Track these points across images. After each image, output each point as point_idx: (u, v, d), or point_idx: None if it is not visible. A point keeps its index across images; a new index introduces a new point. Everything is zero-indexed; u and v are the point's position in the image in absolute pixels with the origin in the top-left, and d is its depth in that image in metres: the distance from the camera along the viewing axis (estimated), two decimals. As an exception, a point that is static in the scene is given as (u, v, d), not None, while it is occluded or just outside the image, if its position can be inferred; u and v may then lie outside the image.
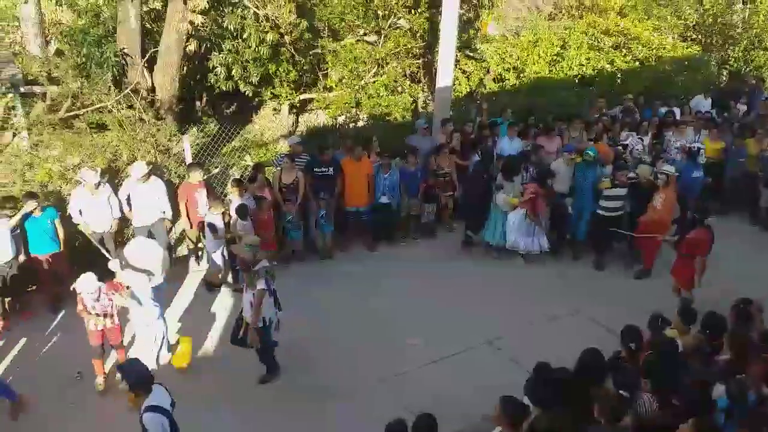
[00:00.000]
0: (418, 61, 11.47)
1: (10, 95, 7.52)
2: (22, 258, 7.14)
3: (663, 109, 11.32)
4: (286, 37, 9.44)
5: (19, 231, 7.01)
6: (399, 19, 10.90)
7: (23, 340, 6.83)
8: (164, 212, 7.96)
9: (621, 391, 4.18)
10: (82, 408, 5.89)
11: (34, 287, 7.54)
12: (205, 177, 8.07)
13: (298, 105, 10.99)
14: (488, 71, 12.10)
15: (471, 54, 11.96)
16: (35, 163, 7.67)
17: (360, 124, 11.06)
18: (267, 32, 9.00)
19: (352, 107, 10.50)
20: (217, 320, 7.35)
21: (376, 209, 8.94)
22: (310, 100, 11.15)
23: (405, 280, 8.10)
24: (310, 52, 10.52)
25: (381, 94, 10.47)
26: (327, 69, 10.87)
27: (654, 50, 12.91)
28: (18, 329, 6.94)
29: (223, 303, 7.74)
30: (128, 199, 7.78)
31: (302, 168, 8.69)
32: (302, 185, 8.53)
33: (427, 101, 11.68)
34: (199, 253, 8.42)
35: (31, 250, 7.18)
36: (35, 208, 6.96)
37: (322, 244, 8.87)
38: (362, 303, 7.59)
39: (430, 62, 11.51)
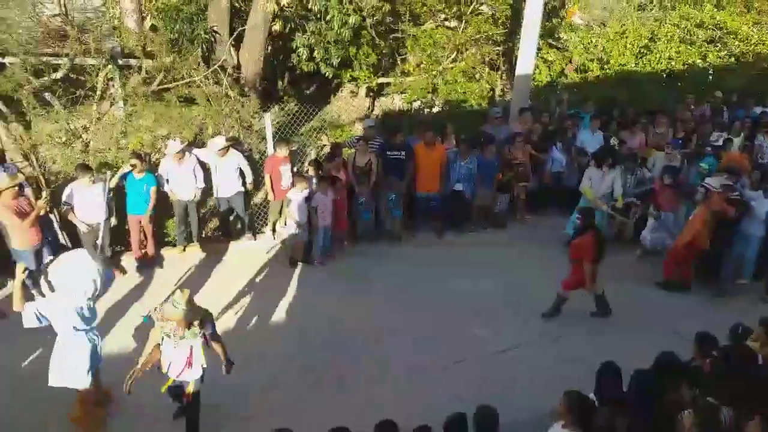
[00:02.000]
0: (498, 48, 11.31)
1: (110, 67, 7.99)
2: (113, 221, 7.65)
3: (757, 110, 10.67)
4: (368, 20, 9.53)
5: (113, 195, 7.49)
6: (482, 4, 10.78)
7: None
8: (243, 184, 8.35)
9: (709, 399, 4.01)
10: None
11: (122, 248, 8.07)
12: (289, 151, 8.36)
13: (375, 88, 11.10)
14: (571, 61, 11.77)
15: (554, 43, 11.68)
16: (129, 131, 8.16)
17: (435, 110, 11.04)
18: (350, 15, 9.10)
19: (429, 93, 10.50)
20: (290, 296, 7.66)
21: (449, 196, 8.95)
22: (387, 84, 11.22)
23: (471, 269, 8.08)
24: (390, 36, 10.59)
25: (458, 81, 10.40)
26: (406, 53, 10.91)
27: (753, 46, 12.14)
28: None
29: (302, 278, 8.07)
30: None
31: (375, 151, 8.81)
32: (375, 168, 8.66)
33: (505, 89, 11.51)
34: (277, 225, 8.76)
35: (128, 211, 7.68)
36: (135, 169, 7.43)
37: (391, 228, 8.99)
38: (426, 289, 7.65)
39: (510, 50, 11.33)
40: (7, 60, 7.41)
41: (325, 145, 9.29)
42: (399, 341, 6.65)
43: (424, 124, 9.23)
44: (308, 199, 8.00)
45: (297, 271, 8.18)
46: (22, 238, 6.76)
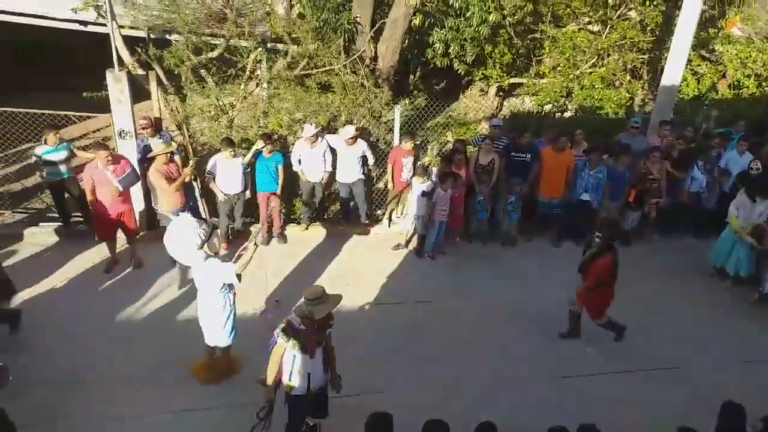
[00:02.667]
0: (643, 56, 10.71)
1: (260, 50, 8.55)
2: (248, 194, 8.22)
3: None
4: (507, 19, 9.41)
5: (250, 170, 8.06)
6: (630, 9, 10.25)
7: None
8: (364, 172, 8.65)
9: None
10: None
11: (251, 219, 8.65)
12: (413, 145, 8.53)
13: (506, 88, 10.96)
14: (724, 75, 10.87)
15: (707, 55, 10.86)
16: (270, 112, 8.70)
17: (567, 114, 10.69)
18: (490, 12, 9.05)
19: (562, 96, 10.18)
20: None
21: (573, 205, 8.66)
22: (519, 85, 11.03)
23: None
24: (528, 37, 10.40)
25: (596, 86, 9.99)
26: (542, 55, 10.65)
27: None
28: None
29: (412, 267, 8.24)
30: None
31: (500, 151, 8.71)
32: (497, 168, 8.57)
33: (646, 100, 10.88)
34: (393, 215, 9.01)
35: (257, 188, 8.23)
36: (264, 147, 7.93)
37: (507, 230, 8.86)
38: (534, 296, 7.48)
39: (656, 59, 10.68)
40: (173, 37, 8.17)
41: (449, 142, 9.33)
42: (501, 351, 6.60)
43: (554, 127, 8.98)
44: (429, 193, 8.10)
45: (410, 260, 8.38)
46: (168, 201, 7.48)
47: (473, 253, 8.59)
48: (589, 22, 10.64)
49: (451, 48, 9.44)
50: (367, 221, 9.00)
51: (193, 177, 7.87)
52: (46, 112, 7.84)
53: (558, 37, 10.24)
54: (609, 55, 10.26)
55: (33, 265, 7.51)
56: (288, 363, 4.65)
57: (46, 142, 7.66)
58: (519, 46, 10.14)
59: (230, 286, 5.54)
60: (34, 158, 7.76)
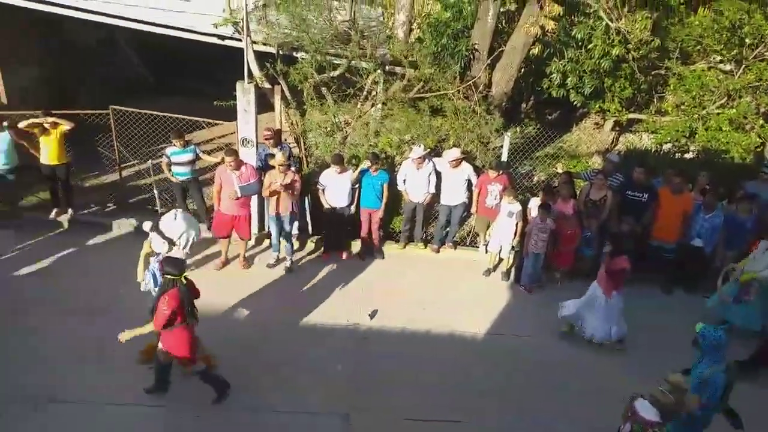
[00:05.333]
0: (779, 100, 9.91)
1: (378, 72, 8.83)
2: (353, 208, 8.47)
3: None
4: (632, 53, 9.08)
5: (358, 186, 8.31)
6: (769, 49, 9.55)
7: (326, 271, 8.37)
8: (467, 196, 8.73)
9: None
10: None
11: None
12: (501, 172, 8.46)
13: (623, 123, 10.55)
14: None
15: None
16: (381, 132, 8.93)
17: (688, 155, 10.11)
18: (614, 46, 8.79)
19: (684, 136, 9.63)
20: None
21: (685, 249, 8.16)
22: (638, 121, 10.58)
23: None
24: (652, 72, 9.97)
25: (723, 129, 9.37)
26: (666, 92, 10.16)
27: None
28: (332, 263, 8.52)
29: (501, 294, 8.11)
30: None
31: (614, 187, 8.41)
32: (609, 205, 8.26)
33: (780, 147, 10.06)
34: (480, 240, 9.10)
35: (361, 204, 8.46)
36: (371, 167, 8.15)
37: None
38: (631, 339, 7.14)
39: (797, 103, 9.84)
40: (300, 55, 8.64)
41: (558, 173, 9.11)
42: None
43: (673, 168, 8.53)
44: (519, 220, 8.14)
45: (502, 288, 8.33)
46: (272, 205, 7.98)
47: (573, 291, 8.18)
48: (721, 61, 10.02)
49: (569, 79, 9.25)
50: (442, 245, 9.07)
51: (301, 188, 8.20)
52: (180, 116, 8.52)
53: (685, 74, 9.72)
54: (741, 97, 9.58)
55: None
56: None
57: (175, 144, 8.34)
58: (641, 82, 9.72)
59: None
60: (164, 158, 8.47)
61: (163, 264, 5.49)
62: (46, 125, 8.31)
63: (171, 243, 5.84)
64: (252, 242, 8.61)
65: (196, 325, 5.58)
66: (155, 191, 9.06)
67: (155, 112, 8.58)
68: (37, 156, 8.51)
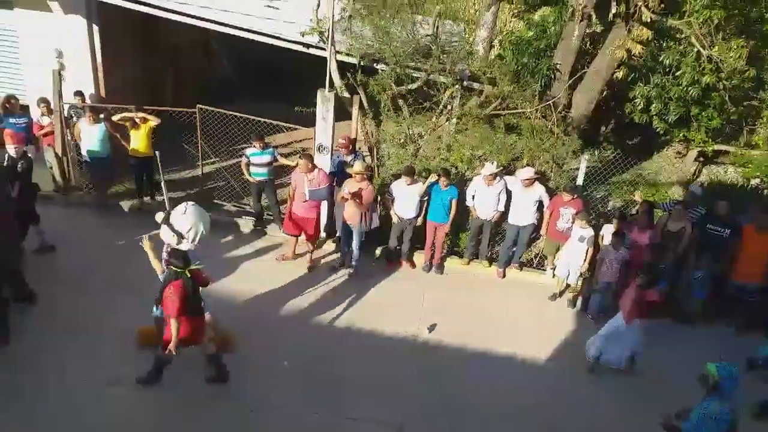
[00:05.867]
0: None
1: (456, 87, 8.85)
2: (420, 220, 8.51)
3: None
4: (723, 82, 8.69)
5: (427, 198, 8.35)
6: None
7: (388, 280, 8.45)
8: (537, 217, 8.60)
9: None
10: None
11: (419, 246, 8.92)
12: (576, 196, 8.28)
13: (708, 154, 10.10)
14: None
15: None
16: (453, 146, 8.94)
17: (778, 193, 9.58)
18: (705, 74, 8.43)
19: (776, 172, 9.15)
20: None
21: (768, 292, 7.71)
22: (724, 153, 10.11)
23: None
24: (744, 103, 9.51)
25: (819, 167, 8.83)
26: (758, 124, 9.67)
27: None
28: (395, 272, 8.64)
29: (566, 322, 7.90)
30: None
31: (694, 220, 8.07)
32: (687, 237, 7.92)
33: None
34: (548, 263, 8.92)
35: (428, 216, 8.48)
36: (440, 181, 8.16)
37: (686, 307, 8.11)
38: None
39: None
40: (380, 66, 8.79)
41: (635, 201, 8.82)
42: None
43: (762, 205, 8.08)
44: (590, 246, 7.90)
45: (566, 314, 8.14)
46: (346, 214, 8.09)
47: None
48: (821, 95, 9.46)
49: (653, 105, 8.96)
50: (508, 265, 8.96)
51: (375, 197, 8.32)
52: (261, 119, 8.84)
53: (781, 106, 9.26)
54: (840, 134, 9.04)
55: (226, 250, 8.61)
56: None
57: (255, 146, 8.66)
58: (731, 112, 9.29)
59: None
60: (243, 158, 8.80)
61: (169, 255, 5.62)
62: (137, 120, 8.85)
63: (180, 236, 5.88)
64: (316, 245, 8.78)
65: (201, 316, 5.74)
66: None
67: (238, 114, 8.93)
68: (127, 147, 9.06)
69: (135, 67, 10.96)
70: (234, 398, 6.03)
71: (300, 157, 7.94)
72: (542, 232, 8.70)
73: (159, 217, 6.01)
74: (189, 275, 5.53)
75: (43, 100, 9.11)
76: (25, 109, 9.42)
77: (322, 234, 8.94)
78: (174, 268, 5.49)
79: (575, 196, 8.28)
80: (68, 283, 7.27)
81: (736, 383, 4.80)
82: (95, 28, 9.70)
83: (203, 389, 6.01)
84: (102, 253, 8.02)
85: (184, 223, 5.91)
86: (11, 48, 10.09)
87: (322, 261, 8.68)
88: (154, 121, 8.89)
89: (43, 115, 9.19)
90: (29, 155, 7.68)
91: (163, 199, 6.62)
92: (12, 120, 8.74)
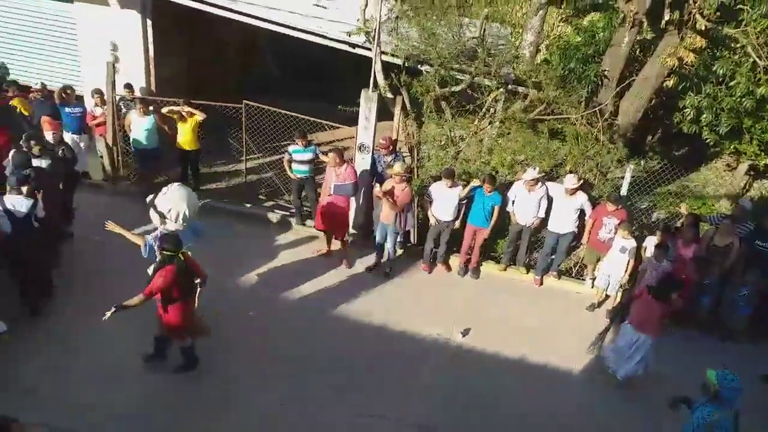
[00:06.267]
0: None
1: (500, 90, 8.77)
2: (458, 223, 8.47)
3: None
4: (781, 93, 8.37)
5: (466, 202, 8.31)
6: None
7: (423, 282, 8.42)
8: (577, 225, 8.46)
9: None
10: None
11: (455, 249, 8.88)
12: (619, 207, 8.08)
13: (761, 169, 9.75)
14: None
15: None
16: (495, 150, 8.87)
17: (833, 211, 9.15)
18: (760, 85, 8.15)
19: (831, 189, 8.77)
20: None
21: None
22: (777, 167, 9.74)
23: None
24: (803, 115, 9.13)
25: None
26: (816, 139, 9.27)
27: None
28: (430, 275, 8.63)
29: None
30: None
31: (742, 235, 7.82)
32: (735, 253, 7.69)
33: None
34: (587, 272, 8.76)
35: (468, 220, 8.44)
36: (484, 186, 8.10)
37: (730, 325, 7.87)
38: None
39: None
40: (424, 68, 8.78)
41: (681, 214, 8.58)
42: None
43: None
44: (632, 257, 7.74)
45: (605, 324, 7.92)
46: (382, 213, 8.17)
47: (683, 341, 7.62)
48: None
49: (704, 115, 8.69)
50: (546, 273, 8.85)
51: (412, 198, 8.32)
52: (305, 117, 8.94)
53: None
54: None
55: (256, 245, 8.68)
56: None
57: (297, 143, 8.77)
58: (787, 125, 8.95)
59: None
60: (286, 154, 8.92)
61: (161, 241, 5.68)
62: (184, 113, 9.08)
63: (162, 216, 6.01)
64: (348, 243, 8.81)
65: (195, 303, 5.81)
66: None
67: (283, 111, 9.06)
68: (174, 140, 9.30)
69: (183, 60, 11.22)
70: (270, 389, 6.13)
71: (330, 150, 8.05)
72: (583, 241, 8.55)
73: (149, 198, 6.21)
74: (182, 259, 5.58)
75: (97, 91, 9.44)
76: (80, 99, 9.76)
77: (352, 231, 8.97)
78: (167, 253, 5.54)
79: (619, 206, 8.11)
80: (110, 272, 7.41)
81: (738, 392, 4.76)
82: (149, 22, 10.00)
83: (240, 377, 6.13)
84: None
85: (166, 203, 6.09)
86: (70, 40, 10.49)
87: (357, 260, 8.72)
88: (199, 116, 9.10)
89: (96, 105, 9.52)
90: (67, 142, 8.09)
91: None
92: (68, 110, 9.11)
